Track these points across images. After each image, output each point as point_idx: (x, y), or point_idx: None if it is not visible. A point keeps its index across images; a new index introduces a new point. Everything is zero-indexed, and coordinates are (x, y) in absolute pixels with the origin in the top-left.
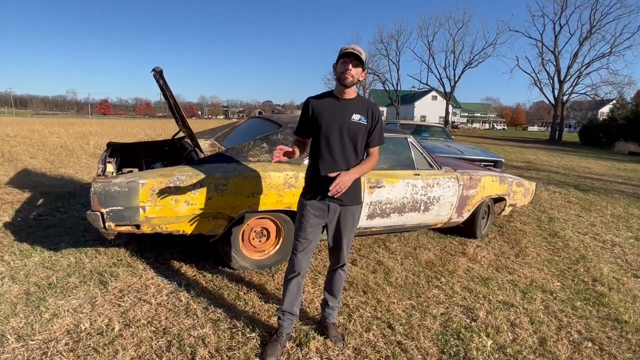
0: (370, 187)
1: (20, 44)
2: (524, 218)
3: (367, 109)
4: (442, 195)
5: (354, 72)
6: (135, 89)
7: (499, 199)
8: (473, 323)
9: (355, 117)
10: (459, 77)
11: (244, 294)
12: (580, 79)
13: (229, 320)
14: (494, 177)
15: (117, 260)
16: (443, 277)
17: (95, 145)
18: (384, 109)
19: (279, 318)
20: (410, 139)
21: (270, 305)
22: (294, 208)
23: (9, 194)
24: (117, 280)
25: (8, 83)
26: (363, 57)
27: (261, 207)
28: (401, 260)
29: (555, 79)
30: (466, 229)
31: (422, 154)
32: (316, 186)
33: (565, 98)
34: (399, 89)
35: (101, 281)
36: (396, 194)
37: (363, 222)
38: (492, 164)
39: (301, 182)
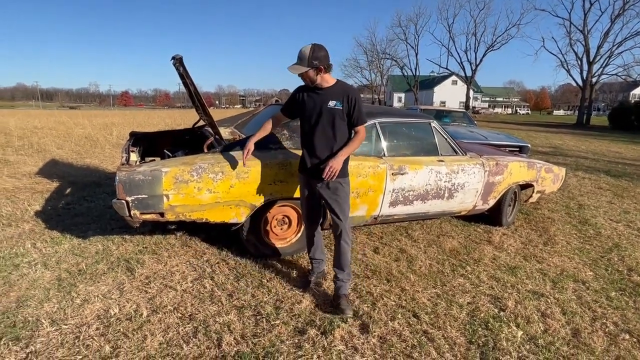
0: (392, 174)
1: (43, 40)
2: (552, 205)
3: (343, 95)
4: (467, 181)
5: (305, 77)
6: (155, 80)
7: (527, 186)
8: (502, 313)
9: (331, 103)
10: (481, 60)
11: (267, 281)
12: (611, 59)
13: (253, 307)
14: (521, 163)
15: (143, 247)
16: (468, 266)
17: (118, 135)
18: (402, 95)
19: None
20: (434, 124)
21: (294, 292)
22: None
23: (39, 184)
24: (143, 267)
25: (34, 77)
26: (300, 62)
27: (283, 195)
28: (424, 249)
29: (584, 59)
30: (491, 217)
31: (446, 139)
32: (303, 164)
33: (594, 80)
34: (417, 74)
35: (128, 268)
36: (419, 181)
37: (385, 209)
38: (518, 149)
39: None
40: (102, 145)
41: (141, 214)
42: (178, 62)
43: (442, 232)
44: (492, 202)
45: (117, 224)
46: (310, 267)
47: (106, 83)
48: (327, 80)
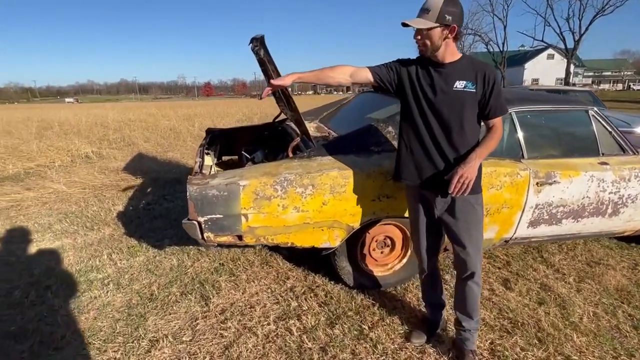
0: (537, 184)
1: (141, 37)
2: None
3: (476, 73)
4: None
5: (425, 40)
6: (233, 70)
7: None
8: None
9: (459, 84)
10: (587, 29)
11: (369, 329)
12: None
13: None
14: None
15: (219, 264)
16: None
17: (200, 127)
18: None
19: None
20: (593, 111)
21: (408, 351)
22: None
23: (124, 181)
24: (219, 295)
25: (134, 72)
26: (423, 15)
27: (389, 213)
28: (576, 285)
29: None
30: None
31: (610, 132)
32: (410, 170)
33: None
34: (505, 49)
35: (202, 295)
36: (574, 193)
37: (522, 230)
38: None
39: None
40: (184, 138)
41: (216, 236)
42: (258, 43)
43: (593, 258)
44: None
45: None
46: (425, 312)
47: (191, 75)
48: (453, 52)
